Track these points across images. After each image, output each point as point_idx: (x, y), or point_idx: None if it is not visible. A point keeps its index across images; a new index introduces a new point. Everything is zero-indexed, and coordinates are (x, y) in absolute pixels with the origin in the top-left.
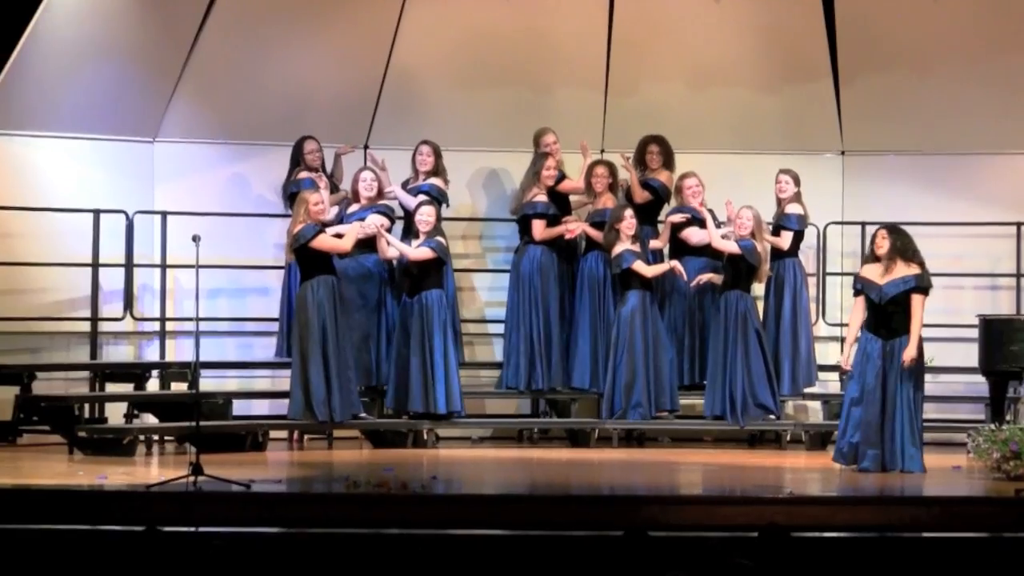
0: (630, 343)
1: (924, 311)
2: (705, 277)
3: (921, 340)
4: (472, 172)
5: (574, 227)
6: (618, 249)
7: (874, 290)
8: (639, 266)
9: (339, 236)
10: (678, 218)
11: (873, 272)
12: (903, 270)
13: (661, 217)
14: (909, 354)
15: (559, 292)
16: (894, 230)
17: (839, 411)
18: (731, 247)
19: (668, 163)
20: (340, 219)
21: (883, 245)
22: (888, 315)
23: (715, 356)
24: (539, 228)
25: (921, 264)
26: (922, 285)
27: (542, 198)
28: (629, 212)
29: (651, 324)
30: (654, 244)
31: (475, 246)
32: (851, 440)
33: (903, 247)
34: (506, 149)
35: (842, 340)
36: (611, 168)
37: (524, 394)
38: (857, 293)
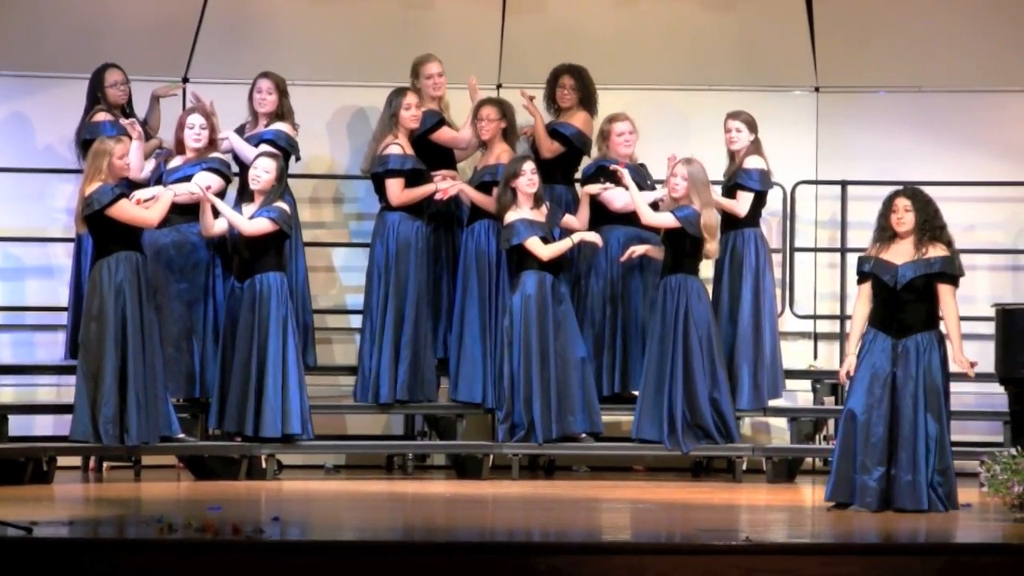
0: (525, 341)
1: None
2: (640, 250)
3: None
4: (330, 114)
5: (446, 186)
6: (511, 217)
7: (888, 271)
8: (533, 244)
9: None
10: (596, 189)
11: (887, 251)
12: (927, 251)
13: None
14: (962, 359)
15: (429, 275)
16: (918, 197)
17: (811, 431)
18: (664, 220)
19: (586, 102)
20: (158, 178)
21: (906, 220)
22: (902, 305)
23: (651, 360)
24: (395, 189)
25: (950, 244)
26: (951, 272)
27: (395, 148)
28: (529, 166)
29: (556, 316)
30: (569, 222)
31: (333, 212)
32: (857, 471)
33: (930, 222)
34: (373, 83)
35: (831, 337)
36: (504, 109)
37: (394, 409)
38: (864, 277)
